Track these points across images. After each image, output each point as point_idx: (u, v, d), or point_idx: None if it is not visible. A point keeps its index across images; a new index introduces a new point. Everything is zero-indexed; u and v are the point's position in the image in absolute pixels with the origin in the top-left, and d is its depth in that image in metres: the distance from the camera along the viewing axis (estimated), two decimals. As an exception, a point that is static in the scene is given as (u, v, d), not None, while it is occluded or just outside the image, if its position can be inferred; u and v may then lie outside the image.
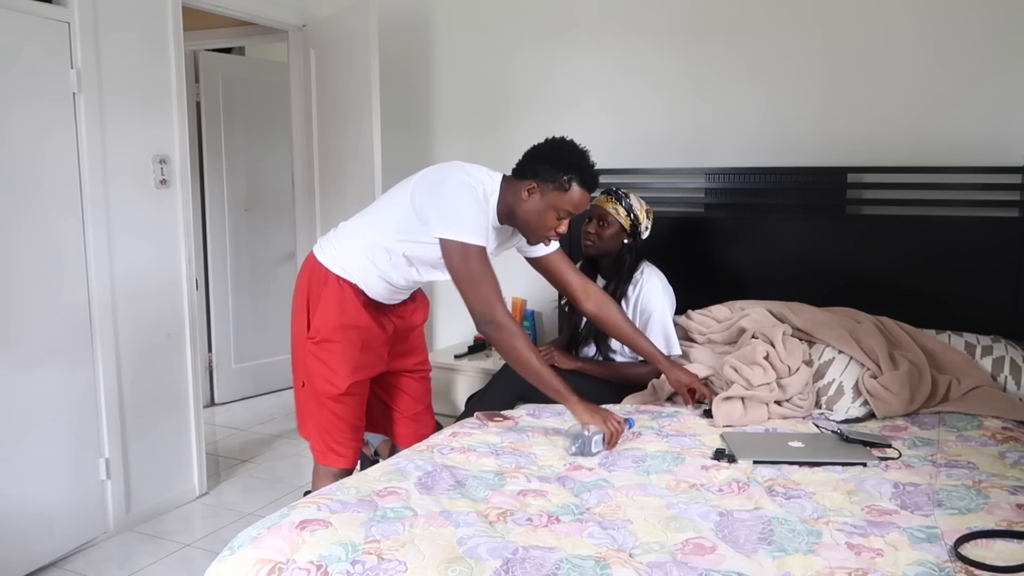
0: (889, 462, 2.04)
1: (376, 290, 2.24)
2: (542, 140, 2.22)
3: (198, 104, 4.28)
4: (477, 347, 3.56)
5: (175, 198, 3.10)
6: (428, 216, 2.08)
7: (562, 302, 3.07)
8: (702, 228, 3.18)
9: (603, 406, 2.30)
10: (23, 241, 2.55)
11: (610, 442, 2.11)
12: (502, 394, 2.60)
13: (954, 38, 2.87)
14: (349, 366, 2.22)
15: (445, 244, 2.05)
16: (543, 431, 2.32)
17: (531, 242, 2.26)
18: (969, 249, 2.80)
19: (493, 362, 3.31)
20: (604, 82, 3.43)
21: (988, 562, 1.47)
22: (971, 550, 1.53)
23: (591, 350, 2.81)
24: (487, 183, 2.15)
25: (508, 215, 2.18)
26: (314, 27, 3.69)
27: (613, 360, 2.76)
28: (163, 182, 3.03)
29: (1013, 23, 2.79)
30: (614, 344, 2.75)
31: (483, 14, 3.66)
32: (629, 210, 2.69)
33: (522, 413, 2.51)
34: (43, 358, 2.62)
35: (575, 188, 2.13)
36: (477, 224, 2.06)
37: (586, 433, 2.11)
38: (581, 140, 3.43)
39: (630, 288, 2.71)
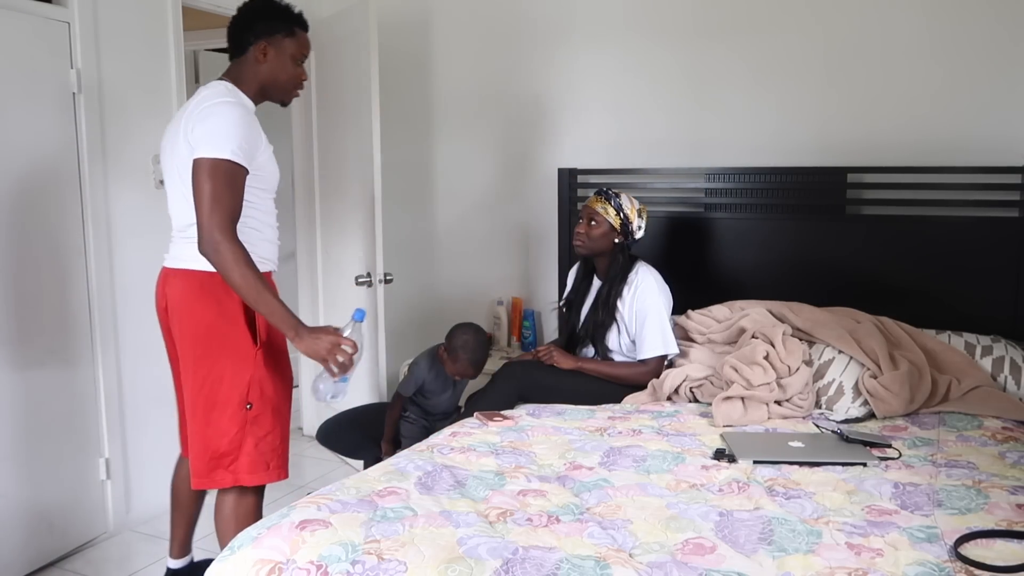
0: (889, 462, 2.04)
1: (272, 254, 2.19)
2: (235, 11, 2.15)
3: (198, 104, 4.27)
4: (477, 347, 3.56)
5: (175, 198, 3.09)
6: (194, 140, 1.94)
7: (560, 303, 3.07)
8: (702, 228, 3.18)
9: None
10: (24, 241, 2.55)
11: (340, 369, 1.95)
12: (502, 394, 2.60)
13: (954, 38, 2.87)
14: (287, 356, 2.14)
15: (205, 163, 1.90)
16: (543, 431, 2.32)
17: (286, 102, 2.21)
18: (969, 249, 2.81)
19: (493, 362, 3.31)
20: (604, 82, 3.43)
21: (988, 562, 1.47)
22: (971, 550, 1.53)
23: (589, 351, 2.81)
24: (227, 91, 2.04)
25: (260, 92, 2.13)
26: (314, 27, 3.64)
27: (611, 360, 2.76)
28: (163, 182, 3.02)
29: (1013, 23, 2.79)
30: (611, 344, 2.75)
31: (483, 14, 3.66)
32: (619, 209, 2.70)
33: (522, 413, 2.51)
34: (43, 358, 2.62)
35: (298, 31, 2.15)
36: (242, 141, 1.93)
37: (320, 383, 1.98)
38: (581, 140, 3.47)
39: (625, 288, 2.71)
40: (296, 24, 2.15)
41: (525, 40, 3.57)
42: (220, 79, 2.10)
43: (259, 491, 2.12)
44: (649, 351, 2.67)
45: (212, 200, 1.89)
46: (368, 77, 3.12)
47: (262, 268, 2.01)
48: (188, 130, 1.96)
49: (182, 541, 2.40)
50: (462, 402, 2.88)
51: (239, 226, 1.95)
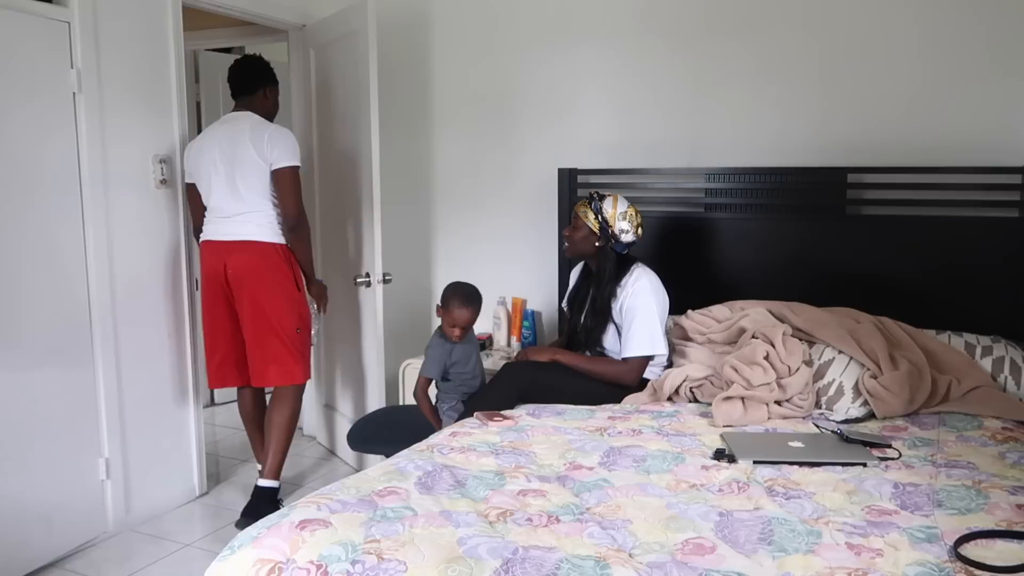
0: (889, 462, 2.04)
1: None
2: (232, 64, 3.05)
3: (198, 104, 4.27)
4: (477, 347, 3.56)
5: (175, 198, 3.10)
6: (274, 157, 2.86)
7: (563, 303, 3.07)
8: (702, 228, 3.18)
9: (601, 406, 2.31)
10: (23, 241, 2.55)
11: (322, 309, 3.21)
12: (502, 394, 2.60)
13: (954, 38, 2.86)
14: None
15: (288, 170, 2.88)
16: (543, 431, 2.32)
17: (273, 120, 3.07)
18: (969, 249, 2.80)
19: (493, 362, 3.31)
20: (604, 82, 3.43)
21: (988, 562, 1.47)
22: (971, 550, 1.53)
23: (587, 353, 2.80)
24: (259, 117, 2.96)
25: (267, 117, 3.02)
26: (314, 27, 3.69)
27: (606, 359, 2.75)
28: (163, 182, 3.03)
29: (1013, 23, 2.79)
30: (608, 345, 2.75)
31: (483, 14, 3.66)
32: (598, 213, 2.70)
33: (522, 413, 2.51)
34: (43, 358, 2.62)
35: (277, 80, 3.13)
36: (298, 153, 2.93)
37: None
38: (581, 140, 3.47)
39: (619, 290, 2.71)
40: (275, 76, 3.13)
41: (525, 40, 3.57)
42: (242, 111, 2.97)
43: (302, 389, 3.12)
44: (633, 350, 2.66)
45: (297, 195, 2.90)
46: (367, 77, 3.12)
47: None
48: (264, 150, 2.84)
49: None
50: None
51: (277, 209, 2.94)
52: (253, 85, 2.99)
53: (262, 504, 2.94)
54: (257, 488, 3.02)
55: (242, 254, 2.88)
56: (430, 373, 2.70)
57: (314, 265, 3.04)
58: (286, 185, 2.86)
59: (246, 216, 2.88)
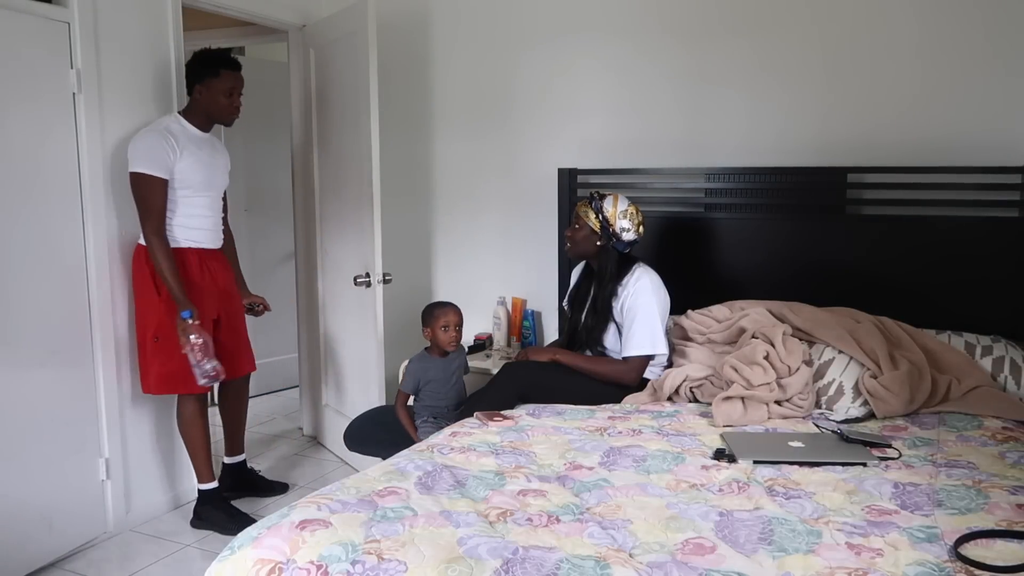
0: (889, 462, 2.04)
1: (198, 236, 2.90)
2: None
3: (198, 104, 4.26)
4: (476, 347, 3.56)
5: (175, 198, 3.09)
6: (128, 159, 2.73)
7: (564, 302, 3.07)
8: (702, 228, 3.18)
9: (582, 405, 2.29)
10: (23, 241, 2.55)
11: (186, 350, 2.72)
12: (502, 394, 2.61)
13: (954, 37, 2.86)
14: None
15: (131, 175, 2.72)
16: (543, 431, 2.32)
17: (227, 124, 2.95)
18: (969, 249, 2.81)
19: (493, 362, 3.31)
20: (604, 82, 3.43)
21: (988, 562, 1.47)
22: (971, 550, 1.53)
23: (587, 353, 2.81)
24: (165, 121, 2.82)
25: (207, 119, 2.88)
26: (314, 27, 3.69)
27: (606, 358, 2.75)
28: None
29: (1013, 23, 2.79)
30: (609, 344, 2.75)
31: (483, 15, 3.66)
32: (599, 212, 2.70)
33: (522, 413, 2.51)
34: (43, 358, 2.62)
35: (222, 71, 2.82)
36: (150, 158, 2.70)
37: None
38: (581, 140, 3.47)
39: (620, 290, 2.71)
40: (221, 66, 2.83)
41: (525, 40, 3.57)
42: (178, 112, 2.89)
43: (197, 401, 2.95)
44: (633, 350, 2.66)
45: (139, 203, 2.73)
46: (367, 77, 3.12)
47: (189, 246, 2.84)
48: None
49: (233, 441, 3.27)
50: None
51: (176, 216, 2.81)
52: (189, 83, 2.88)
53: (199, 505, 3.02)
54: (198, 491, 3.04)
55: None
56: (405, 388, 2.81)
57: (179, 288, 2.70)
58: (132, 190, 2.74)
59: None
